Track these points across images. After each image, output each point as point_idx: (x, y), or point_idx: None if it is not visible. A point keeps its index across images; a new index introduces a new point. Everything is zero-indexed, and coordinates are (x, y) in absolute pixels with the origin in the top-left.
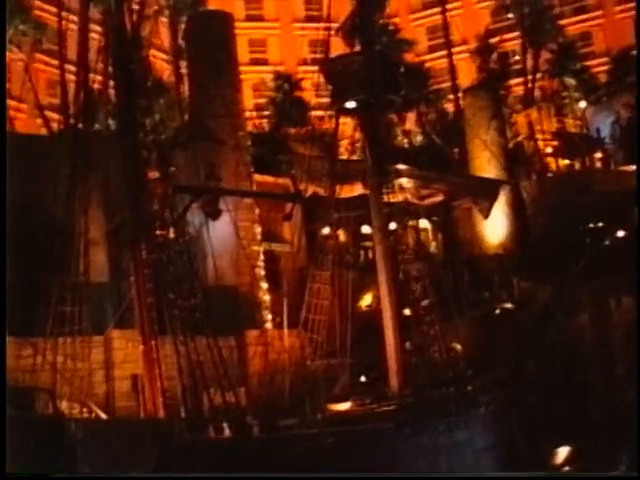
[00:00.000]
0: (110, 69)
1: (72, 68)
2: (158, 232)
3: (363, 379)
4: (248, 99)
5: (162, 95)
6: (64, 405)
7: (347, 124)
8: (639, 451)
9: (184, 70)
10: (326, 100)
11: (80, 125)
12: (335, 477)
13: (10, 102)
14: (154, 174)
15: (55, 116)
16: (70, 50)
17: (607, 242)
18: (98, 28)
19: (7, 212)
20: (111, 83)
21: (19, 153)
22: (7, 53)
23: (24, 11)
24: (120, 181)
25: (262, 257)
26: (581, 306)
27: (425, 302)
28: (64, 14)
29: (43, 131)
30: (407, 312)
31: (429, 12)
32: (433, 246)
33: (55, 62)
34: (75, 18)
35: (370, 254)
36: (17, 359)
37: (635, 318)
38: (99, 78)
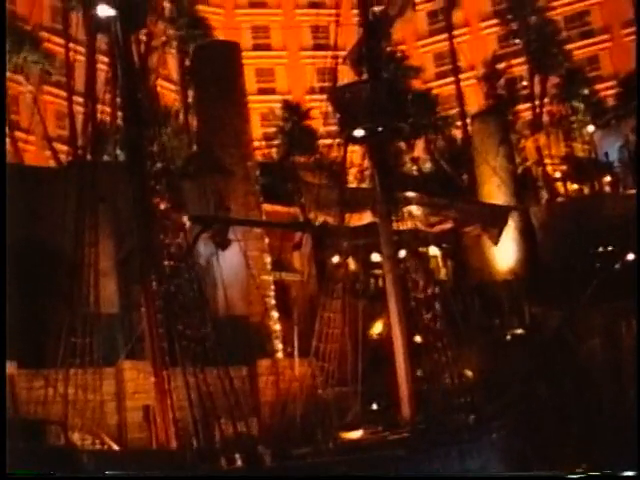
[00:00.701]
0: (118, 100)
1: (80, 99)
2: (168, 263)
3: (375, 407)
4: (256, 128)
5: (170, 125)
6: (76, 437)
7: (356, 152)
8: (639, 451)
9: (192, 100)
10: (334, 128)
11: (89, 156)
12: (337, 477)
13: (19, 134)
14: (163, 204)
15: (64, 148)
16: (78, 81)
17: (617, 266)
18: (106, 59)
19: (17, 244)
20: (119, 114)
21: (28, 185)
22: (15, 85)
23: (32, 43)
24: (129, 212)
25: (272, 286)
26: (592, 330)
27: (436, 329)
28: (72, 45)
29: (52, 163)
30: (418, 339)
31: (436, 39)
32: (443, 273)
33: (63, 94)
34: (83, 49)
35: (380, 282)
36: (29, 391)
37: None
38: (107, 109)
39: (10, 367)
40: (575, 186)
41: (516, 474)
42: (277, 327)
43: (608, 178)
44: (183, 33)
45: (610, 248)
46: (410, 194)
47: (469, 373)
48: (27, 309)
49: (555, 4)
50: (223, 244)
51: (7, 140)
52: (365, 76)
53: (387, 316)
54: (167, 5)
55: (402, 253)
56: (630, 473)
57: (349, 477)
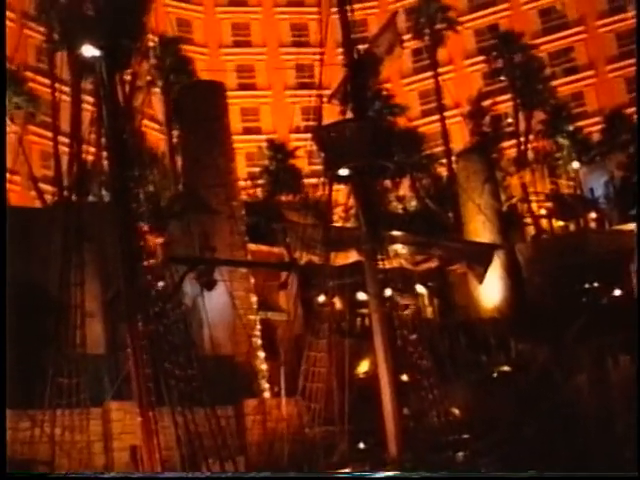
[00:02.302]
0: (103, 140)
1: (65, 140)
2: (154, 303)
3: (362, 445)
4: (242, 168)
5: (155, 165)
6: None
7: (341, 191)
8: (639, 451)
9: (177, 140)
10: (319, 167)
11: (74, 197)
12: (333, 477)
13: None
14: (149, 245)
15: (49, 188)
16: (63, 121)
17: (604, 301)
18: (91, 99)
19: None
20: (104, 154)
21: (13, 226)
22: None
23: (17, 84)
24: (115, 252)
25: (258, 326)
26: (579, 366)
27: (422, 367)
28: (57, 85)
29: (37, 203)
30: (404, 377)
31: (421, 77)
32: (429, 311)
33: (48, 134)
34: (68, 89)
35: (366, 321)
36: (15, 432)
37: (633, 376)
38: (92, 149)
39: None
40: (561, 223)
41: (516, 474)
42: (263, 367)
43: (593, 214)
44: (168, 73)
45: (596, 284)
46: (395, 233)
47: (456, 411)
48: (13, 349)
49: (539, 41)
50: (209, 284)
51: None
52: (350, 115)
53: (373, 355)
54: (152, 45)
55: (388, 292)
56: (631, 474)
57: (349, 477)
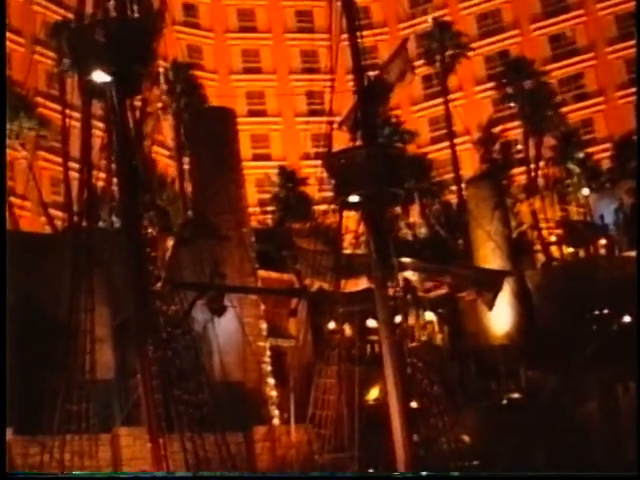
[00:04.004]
0: (113, 166)
1: (75, 165)
2: (164, 329)
3: (372, 472)
4: (252, 195)
5: (165, 192)
6: None
7: (351, 218)
8: (639, 451)
9: (187, 166)
10: (330, 194)
11: (84, 222)
12: (333, 477)
13: (14, 200)
14: (159, 270)
15: (59, 214)
16: (73, 147)
17: (614, 328)
18: (101, 125)
19: (12, 311)
20: (114, 180)
21: (23, 251)
22: (11, 151)
23: (28, 109)
24: (125, 278)
25: (268, 353)
26: (589, 393)
27: (432, 394)
28: (67, 111)
29: (47, 229)
30: (414, 404)
31: (431, 103)
32: (439, 338)
33: (59, 159)
34: (78, 115)
35: (376, 348)
36: (25, 457)
37: None
38: (102, 175)
39: (6, 433)
40: (570, 249)
41: (517, 474)
42: (273, 393)
43: (603, 241)
44: (178, 99)
45: (606, 311)
46: (405, 260)
47: (466, 438)
48: (23, 375)
49: (549, 67)
50: (219, 311)
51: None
52: (360, 142)
53: (383, 382)
54: (162, 71)
55: (398, 319)
56: (631, 474)
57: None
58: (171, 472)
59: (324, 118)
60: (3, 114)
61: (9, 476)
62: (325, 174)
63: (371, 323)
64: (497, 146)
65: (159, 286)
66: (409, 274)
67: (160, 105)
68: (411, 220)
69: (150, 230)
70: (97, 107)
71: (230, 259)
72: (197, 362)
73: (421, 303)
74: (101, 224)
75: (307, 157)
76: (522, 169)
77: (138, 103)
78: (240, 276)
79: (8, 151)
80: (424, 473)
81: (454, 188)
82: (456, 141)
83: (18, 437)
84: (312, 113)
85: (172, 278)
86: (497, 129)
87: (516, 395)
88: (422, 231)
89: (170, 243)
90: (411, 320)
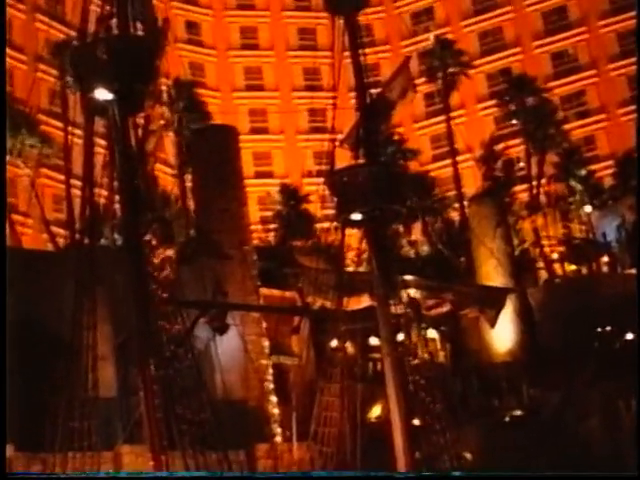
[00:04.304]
0: (115, 184)
1: (78, 183)
2: (166, 347)
3: None
4: (254, 212)
5: (168, 210)
6: None
7: (353, 235)
8: (639, 451)
9: (189, 184)
10: (332, 212)
11: (86, 240)
12: (335, 477)
13: (16, 217)
14: (161, 289)
15: (61, 231)
16: (76, 165)
17: (616, 346)
18: (103, 142)
19: (14, 326)
20: (116, 198)
21: (25, 268)
22: (13, 168)
23: (30, 126)
24: (127, 296)
25: (270, 370)
26: (591, 410)
27: (434, 411)
28: (69, 129)
29: (49, 246)
30: (416, 422)
31: (433, 121)
32: (441, 355)
33: (61, 177)
34: (80, 132)
35: (379, 365)
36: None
37: None
38: (104, 193)
39: (8, 450)
40: (573, 267)
41: (517, 474)
42: (275, 411)
43: (606, 258)
44: (180, 116)
45: (608, 328)
46: (408, 277)
47: (468, 455)
48: (24, 391)
49: (551, 85)
50: (221, 329)
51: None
52: (362, 159)
53: (386, 399)
54: (164, 88)
55: (400, 336)
56: (631, 474)
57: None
58: (172, 472)
59: (326, 136)
60: (3, 131)
61: (9, 476)
62: (327, 192)
63: (373, 341)
64: (499, 163)
65: (161, 304)
66: (411, 292)
67: (162, 123)
68: (413, 238)
69: (154, 242)
70: (99, 125)
71: (232, 277)
72: (199, 380)
73: (423, 320)
74: (103, 242)
75: (309, 175)
76: (524, 186)
77: (141, 121)
78: (242, 294)
79: (10, 168)
80: (425, 473)
81: (456, 206)
82: (458, 159)
83: (20, 454)
84: (314, 130)
85: (174, 296)
86: (499, 146)
87: (518, 412)
88: (424, 249)
89: (170, 254)
90: (413, 338)
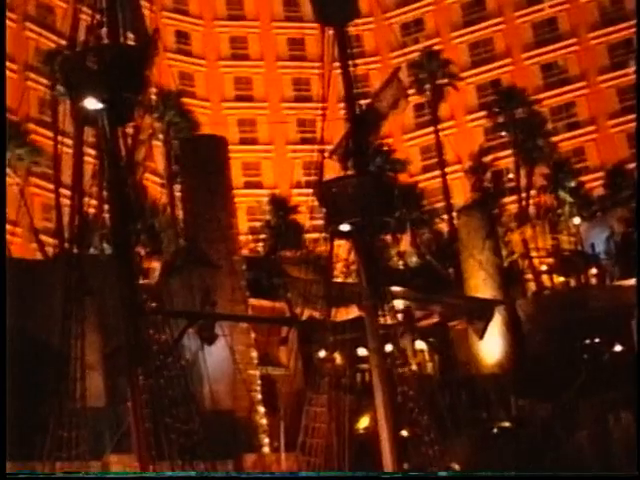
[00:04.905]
0: (105, 193)
1: (67, 192)
2: (154, 357)
3: None
4: (243, 223)
5: (157, 219)
6: None
7: (342, 246)
8: (639, 451)
9: (178, 194)
10: (320, 223)
11: (75, 249)
12: (331, 477)
13: (5, 226)
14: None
15: (50, 240)
16: (65, 174)
17: (605, 357)
18: (92, 152)
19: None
20: (106, 207)
21: (14, 277)
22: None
23: (20, 135)
24: (116, 305)
25: (259, 381)
26: (580, 422)
27: (423, 423)
28: (59, 138)
29: (38, 255)
30: (405, 433)
31: (422, 132)
32: (430, 367)
33: (50, 186)
34: (70, 142)
35: (367, 376)
36: None
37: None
38: (94, 202)
39: None
40: (562, 278)
41: (517, 474)
42: (263, 421)
43: (594, 270)
44: (169, 126)
45: (597, 340)
46: (396, 288)
47: (456, 466)
48: (13, 401)
49: (541, 96)
50: (209, 339)
51: None
52: (351, 170)
53: (374, 410)
54: (154, 98)
55: (388, 347)
56: (631, 474)
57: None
58: (175, 472)
59: (315, 146)
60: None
61: (9, 476)
62: (316, 202)
63: (362, 352)
64: (488, 175)
65: (150, 313)
66: (400, 303)
67: (150, 132)
68: (402, 249)
69: (142, 253)
70: (89, 134)
71: (221, 287)
72: (187, 390)
73: (412, 332)
74: (92, 251)
75: (298, 185)
76: (513, 198)
77: (130, 130)
78: (231, 304)
79: None
80: (412, 473)
81: (445, 217)
82: (447, 170)
83: (9, 464)
84: (303, 141)
85: (163, 306)
86: (488, 158)
87: (507, 424)
88: (413, 260)
89: (159, 263)
90: (402, 348)
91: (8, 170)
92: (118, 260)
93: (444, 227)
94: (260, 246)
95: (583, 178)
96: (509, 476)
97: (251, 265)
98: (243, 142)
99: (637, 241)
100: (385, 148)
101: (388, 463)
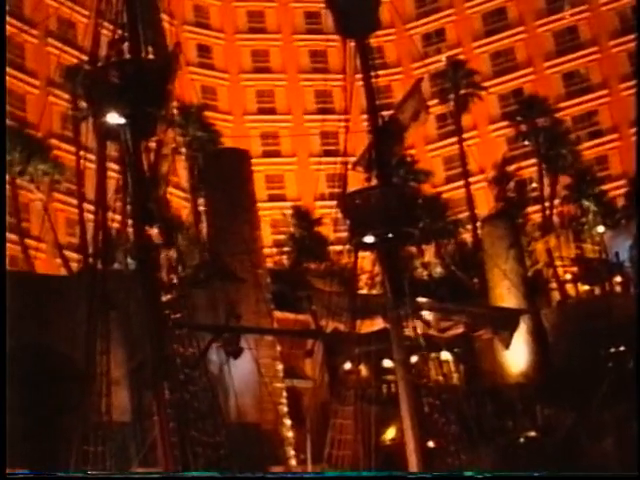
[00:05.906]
0: (128, 208)
1: (91, 207)
2: (180, 371)
3: None
4: (267, 235)
5: (181, 233)
6: None
7: (366, 258)
8: (639, 451)
9: (202, 208)
10: (345, 235)
11: (99, 265)
12: (331, 477)
13: (29, 242)
14: (175, 314)
15: (74, 255)
16: (88, 189)
17: (629, 366)
18: (116, 167)
19: (28, 351)
20: (129, 222)
21: (39, 293)
22: (26, 193)
23: (43, 151)
24: (141, 320)
25: (284, 394)
26: (605, 430)
27: (449, 433)
28: (82, 153)
29: (63, 271)
30: (431, 444)
31: (445, 142)
32: (455, 377)
33: (74, 201)
34: (93, 157)
35: (393, 388)
36: None
37: None
38: (117, 217)
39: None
40: (586, 287)
41: (518, 474)
42: (289, 434)
43: (619, 278)
44: (192, 140)
45: (622, 348)
46: (421, 300)
47: None
48: (39, 416)
49: (563, 105)
50: (235, 352)
51: (18, 248)
52: (375, 182)
53: (400, 421)
54: (176, 112)
55: (414, 358)
56: (631, 474)
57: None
58: (178, 472)
59: (339, 158)
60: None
61: (9, 476)
62: (340, 214)
63: (387, 363)
64: (512, 184)
65: (175, 328)
66: (425, 314)
67: (173, 146)
68: (426, 260)
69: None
70: (112, 149)
71: (246, 300)
72: (213, 404)
73: (437, 343)
74: (116, 266)
75: (322, 197)
76: (537, 207)
77: (153, 145)
78: (256, 317)
79: (23, 193)
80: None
81: (469, 227)
82: (471, 180)
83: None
84: (326, 153)
85: (188, 320)
86: (512, 167)
87: (533, 433)
88: (437, 270)
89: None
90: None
91: (31, 186)
92: (142, 275)
93: (468, 237)
94: (284, 259)
95: (606, 186)
96: (524, 476)
97: (275, 278)
98: (266, 155)
99: (637, 240)
100: (408, 159)
101: None
